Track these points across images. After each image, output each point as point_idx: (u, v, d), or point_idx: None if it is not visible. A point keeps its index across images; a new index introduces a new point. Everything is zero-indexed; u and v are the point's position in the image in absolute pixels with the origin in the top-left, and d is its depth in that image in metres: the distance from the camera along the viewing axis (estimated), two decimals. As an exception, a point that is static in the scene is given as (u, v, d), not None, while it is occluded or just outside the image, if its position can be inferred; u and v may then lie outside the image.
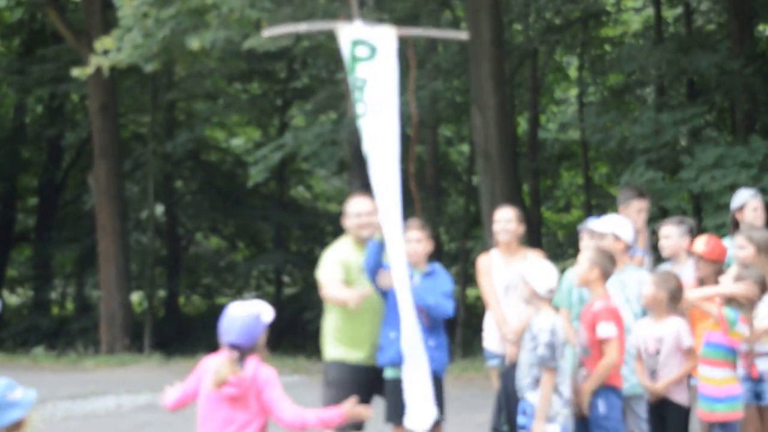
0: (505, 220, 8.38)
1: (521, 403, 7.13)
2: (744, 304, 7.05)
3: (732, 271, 7.14)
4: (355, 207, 7.81)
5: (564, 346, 7.05)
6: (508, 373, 8.02)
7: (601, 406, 7.10)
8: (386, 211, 6.83)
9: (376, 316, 7.55)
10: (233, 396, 5.56)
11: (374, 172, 6.83)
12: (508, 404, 8.05)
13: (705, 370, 7.08)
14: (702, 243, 7.60)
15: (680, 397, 7.24)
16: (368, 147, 6.80)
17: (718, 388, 6.99)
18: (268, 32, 7.67)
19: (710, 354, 7.05)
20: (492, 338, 8.63)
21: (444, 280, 7.80)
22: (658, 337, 7.22)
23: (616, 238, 7.75)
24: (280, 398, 5.58)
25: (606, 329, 7.06)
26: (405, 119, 6.81)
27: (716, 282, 7.36)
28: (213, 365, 5.67)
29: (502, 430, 8.44)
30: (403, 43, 6.95)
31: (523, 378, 7.08)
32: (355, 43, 6.82)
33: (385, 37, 6.85)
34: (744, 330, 7.02)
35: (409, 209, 7.11)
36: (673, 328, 7.19)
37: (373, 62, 6.79)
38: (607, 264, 7.32)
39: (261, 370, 5.61)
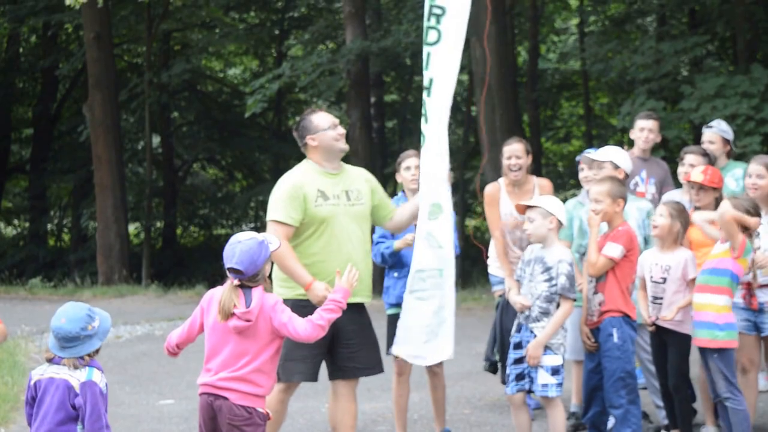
0: (516, 156, 8.28)
1: (518, 335, 7.11)
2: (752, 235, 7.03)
3: (725, 204, 7.03)
4: (328, 118, 6.82)
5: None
6: (507, 306, 8.02)
7: (615, 336, 7.10)
8: (427, 143, 6.82)
9: (349, 254, 6.68)
10: (242, 328, 5.52)
11: (433, 101, 6.81)
12: (502, 336, 8.08)
13: (704, 297, 7.01)
14: (700, 172, 7.57)
15: (683, 327, 7.24)
16: (433, 74, 6.81)
17: (717, 315, 6.96)
18: None
19: (713, 281, 6.99)
20: (496, 264, 8.61)
21: None
22: (665, 266, 7.24)
23: (615, 166, 7.74)
24: (290, 319, 5.58)
25: (609, 248, 7.10)
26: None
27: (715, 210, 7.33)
28: (217, 295, 5.62)
29: (493, 360, 8.54)
30: None
31: (530, 311, 7.07)
32: None
33: None
34: (749, 259, 7.01)
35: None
36: (680, 258, 7.23)
37: None
38: (625, 192, 7.36)
39: (266, 298, 5.58)
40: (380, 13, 25.13)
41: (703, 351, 7.05)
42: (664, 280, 7.23)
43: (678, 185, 8.45)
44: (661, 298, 7.27)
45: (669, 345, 7.27)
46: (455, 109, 27.30)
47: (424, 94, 6.87)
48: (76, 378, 5.14)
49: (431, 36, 6.80)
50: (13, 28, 28.76)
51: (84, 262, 26.63)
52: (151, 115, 26.13)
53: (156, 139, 29.26)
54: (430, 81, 6.83)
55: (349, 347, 6.72)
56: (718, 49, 22.10)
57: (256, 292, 5.55)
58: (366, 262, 6.78)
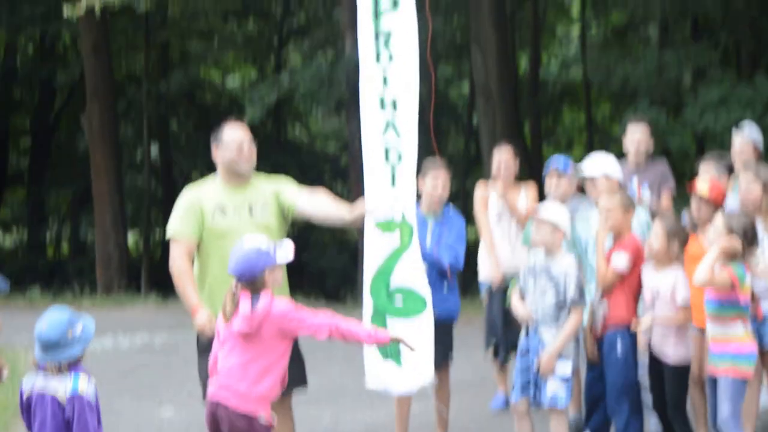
0: (505, 160, 8.74)
1: (525, 340, 7.07)
2: (739, 255, 6.69)
3: (718, 222, 6.75)
4: (236, 135, 6.80)
5: None
6: (494, 295, 8.50)
7: (619, 347, 7.04)
8: (404, 158, 6.74)
9: None
10: (246, 332, 5.47)
11: (398, 120, 6.75)
12: (491, 328, 8.55)
13: (720, 329, 6.68)
14: (706, 184, 7.35)
15: (678, 351, 6.96)
16: (395, 93, 6.76)
17: (741, 345, 6.64)
18: None
19: (724, 312, 6.66)
20: (485, 269, 8.84)
21: (457, 224, 7.84)
22: (654, 288, 6.97)
23: (608, 178, 7.70)
24: (306, 315, 5.55)
25: (616, 259, 7.05)
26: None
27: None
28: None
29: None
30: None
31: (539, 320, 7.03)
32: None
33: None
34: (749, 281, 6.68)
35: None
36: (671, 279, 6.92)
37: (397, 13, 6.78)
38: (633, 201, 7.33)
39: (275, 304, 5.49)
40: (380, 23, 25.02)
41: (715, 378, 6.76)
42: (653, 303, 6.98)
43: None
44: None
45: (665, 375, 6.99)
46: (456, 118, 27.23)
47: (389, 109, 6.77)
48: (63, 391, 5.16)
49: (383, 56, 6.79)
50: (10, 38, 28.69)
51: (83, 272, 26.50)
52: (149, 125, 26.03)
53: (155, 149, 29.17)
54: (394, 100, 6.77)
55: None
56: (721, 59, 21.98)
57: (264, 297, 5.47)
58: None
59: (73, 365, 5.24)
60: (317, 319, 5.57)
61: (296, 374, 6.46)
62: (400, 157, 6.74)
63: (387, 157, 6.76)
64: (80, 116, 25.00)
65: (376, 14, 6.78)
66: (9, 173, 32.06)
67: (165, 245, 28.22)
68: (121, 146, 25.80)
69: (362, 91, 6.84)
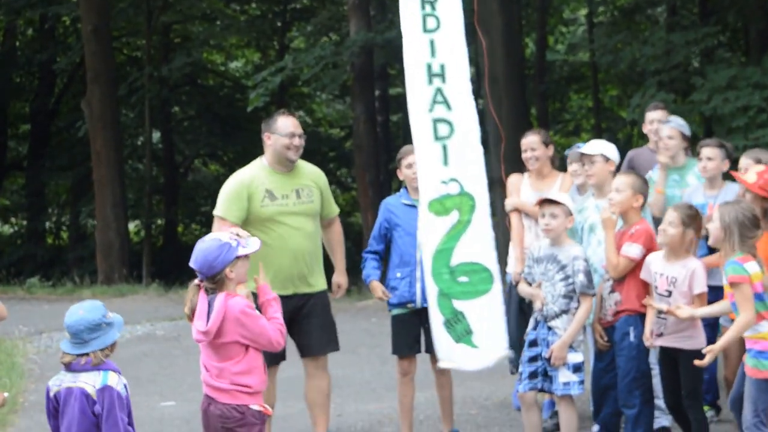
0: (531, 148, 8.18)
1: (534, 332, 6.96)
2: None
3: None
4: (289, 126, 7.23)
5: None
6: (511, 295, 8.08)
7: (632, 335, 6.85)
8: (458, 130, 6.81)
9: (294, 250, 7.15)
10: (206, 342, 5.40)
11: (451, 86, 6.79)
12: (508, 322, 7.94)
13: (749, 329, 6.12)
14: (755, 173, 6.71)
15: (693, 343, 6.61)
16: (444, 60, 6.79)
17: (766, 342, 6.08)
18: None
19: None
20: (513, 263, 8.46)
21: None
22: (671, 278, 6.63)
23: (606, 159, 7.40)
24: (261, 330, 5.41)
25: (628, 248, 6.82)
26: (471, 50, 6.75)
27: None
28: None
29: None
30: None
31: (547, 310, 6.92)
32: None
33: None
34: (754, 267, 6.07)
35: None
36: (688, 269, 6.59)
37: None
38: (646, 189, 7.07)
39: (230, 307, 5.33)
40: (385, 4, 24.74)
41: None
42: (670, 293, 6.62)
43: None
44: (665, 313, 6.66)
45: (680, 364, 6.65)
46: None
47: (436, 80, 6.78)
48: (92, 384, 5.06)
49: (430, 23, 6.78)
50: (9, 20, 28.50)
51: (83, 260, 26.36)
52: (151, 110, 25.85)
53: (156, 135, 29.01)
54: (442, 66, 6.77)
55: (309, 326, 7.21)
56: (729, 40, 21.83)
57: (218, 301, 5.31)
58: (316, 254, 7.32)
59: (105, 362, 5.13)
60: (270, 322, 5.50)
61: (328, 338, 7.29)
62: (452, 131, 6.78)
63: (436, 135, 6.79)
64: (80, 101, 24.80)
65: None
66: (8, 160, 31.87)
67: (167, 233, 28.11)
68: (122, 132, 25.61)
69: (407, 65, 6.82)
